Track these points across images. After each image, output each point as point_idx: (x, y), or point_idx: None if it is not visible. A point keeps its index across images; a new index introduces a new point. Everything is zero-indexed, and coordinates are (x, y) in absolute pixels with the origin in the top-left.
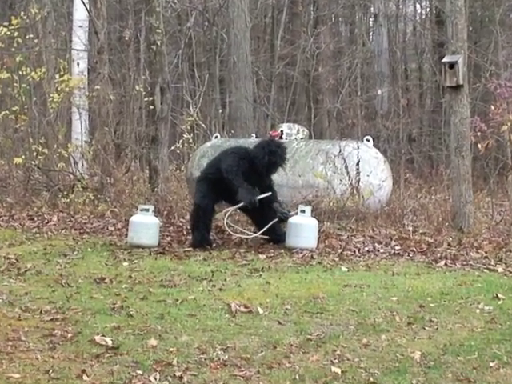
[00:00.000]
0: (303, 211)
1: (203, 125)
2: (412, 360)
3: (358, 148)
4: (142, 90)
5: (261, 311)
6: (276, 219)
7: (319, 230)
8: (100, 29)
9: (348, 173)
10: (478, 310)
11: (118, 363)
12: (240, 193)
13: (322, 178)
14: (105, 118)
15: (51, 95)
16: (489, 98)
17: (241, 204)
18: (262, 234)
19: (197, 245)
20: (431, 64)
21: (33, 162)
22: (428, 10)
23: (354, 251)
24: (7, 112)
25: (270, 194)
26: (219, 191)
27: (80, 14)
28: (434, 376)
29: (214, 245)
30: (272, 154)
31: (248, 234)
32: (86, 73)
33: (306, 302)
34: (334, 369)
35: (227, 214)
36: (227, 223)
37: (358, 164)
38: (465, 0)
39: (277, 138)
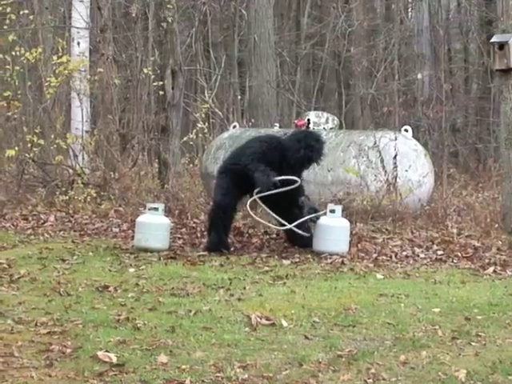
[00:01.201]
0: (333, 211)
1: (220, 113)
2: (456, 380)
3: (396, 139)
4: (150, 73)
5: (285, 324)
6: (306, 217)
7: (351, 232)
8: (103, 4)
9: (384, 167)
10: None
11: (124, 382)
12: (256, 178)
13: (354, 173)
14: (108, 105)
15: (48, 79)
16: None
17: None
18: (289, 228)
19: (213, 248)
20: (478, 44)
21: (27, 155)
22: None
23: (391, 256)
24: None
25: (296, 179)
26: (244, 186)
27: None
28: None
29: (231, 249)
30: (309, 149)
31: (277, 224)
32: (87, 54)
33: (336, 314)
34: None
35: (252, 198)
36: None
37: (395, 157)
38: None
39: (303, 128)
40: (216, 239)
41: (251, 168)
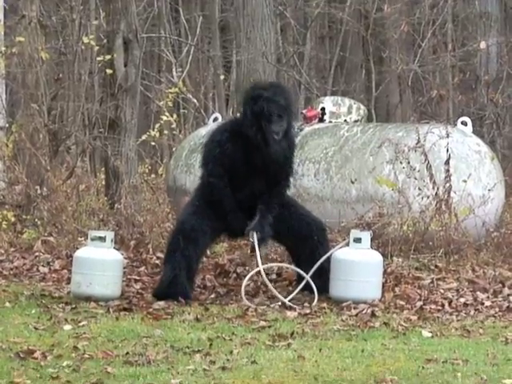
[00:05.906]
0: (358, 240)
1: (194, 100)
2: None
3: (449, 136)
4: (93, 43)
5: None
6: (326, 255)
7: (385, 271)
8: None
9: (432, 177)
10: None
11: None
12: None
13: (389, 185)
14: (33, 90)
15: None
16: None
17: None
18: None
19: (162, 292)
20: None
21: None
22: None
23: (443, 305)
24: None
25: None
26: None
27: None
28: None
29: (211, 294)
30: (255, 103)
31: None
32: (1, 16)
33: None
34: None
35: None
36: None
37: (447, 162)
38: None
39: (314, 120)
40: (168, 277)
41: (224, 206)
